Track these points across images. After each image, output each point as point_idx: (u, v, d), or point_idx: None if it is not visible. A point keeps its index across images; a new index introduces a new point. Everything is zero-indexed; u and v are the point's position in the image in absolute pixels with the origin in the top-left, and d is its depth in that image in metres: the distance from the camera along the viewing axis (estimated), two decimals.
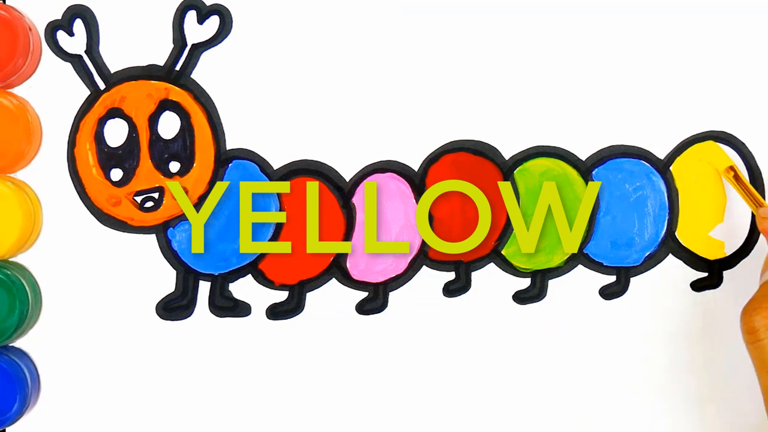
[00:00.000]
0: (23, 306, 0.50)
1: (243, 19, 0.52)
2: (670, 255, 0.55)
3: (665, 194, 0.55)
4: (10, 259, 0.52)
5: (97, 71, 0.52)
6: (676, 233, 0.55)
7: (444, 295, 0.54)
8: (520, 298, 0.54)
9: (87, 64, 0.52)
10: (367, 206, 0.52)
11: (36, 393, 0.52)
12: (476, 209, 0.53)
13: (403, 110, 0.53)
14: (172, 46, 0.52)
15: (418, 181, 0.54)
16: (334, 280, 0.53)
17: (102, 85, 0.52)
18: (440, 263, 0.54)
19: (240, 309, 0.53)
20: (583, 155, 0.54)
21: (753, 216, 0.55)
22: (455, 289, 0.54)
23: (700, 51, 0.54)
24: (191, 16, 0.52)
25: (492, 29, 0.54)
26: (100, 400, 0.53)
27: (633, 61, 0.54)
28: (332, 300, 0.53)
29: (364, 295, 0.54)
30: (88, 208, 0.52)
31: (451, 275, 0.54)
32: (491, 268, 0.54)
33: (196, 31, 0.52)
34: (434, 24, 0.53)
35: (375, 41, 0.53)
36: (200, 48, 0.52)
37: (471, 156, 0.54)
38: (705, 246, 0.55)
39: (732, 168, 0.51)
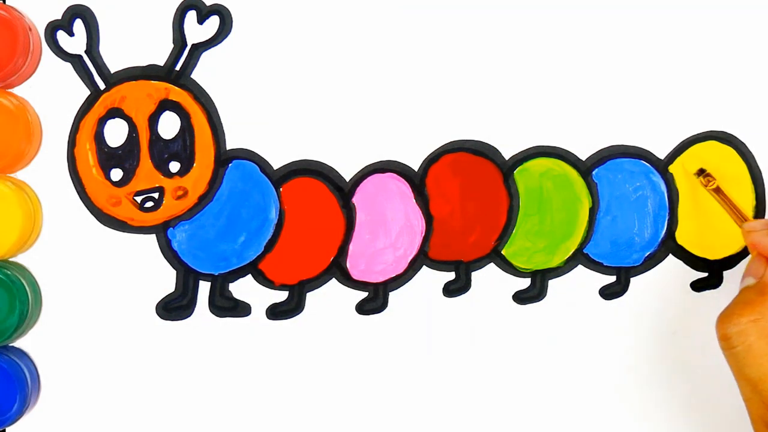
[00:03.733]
0: (23, 306, 0.50)
1: (243, 19, 0.52)
2: (670, 255, 0.55)
3: (665, 194, 0.55)
4: (10, 259, 0.52)
5: (97, 71, 0.52)
6: (676, 233, 0.55)
7: (444, 295, 0.54)
8: (520, 298, 0.54)
9: (87, 64, 0.52)
10: None
11: (36, 393, 0.52)
12: (477, 208, 0.53)
13: (403, 110, 0.53)
14: (172, 46, 0.52)
15: (418, 181, 0.54)
16: (334, 280, 0.53)
17: (102, 85, 0.52)
18: (440, 263, 0.54)
19: (240, 309, 0.53)
20: (583, 155, 0.54)
21: (755, 216, 0.55)
22: (455, 289, 0.54)
23: (700, 51, 0.54)
24: (191, 16, 0.52)
25: (492, 29, 0.54)
26: (100, 400, 0.53)
27: (633, 61, 0.54)
28: (332, 300, 0.53)
29: (364, 295, 0.54)
30: (88, 208, 0.52)
31: (451, 275, 0.54)
32: (491, 268, 0.54)
33: (196, 31, 0.52)
34: (434, 23, 0.53)
35: (375, 41, 0.53)
36: (200, 48, 0.52)
37: (471, 156, 0.54)
38: (705, 246, 0.55)
39: (708, 175, 0.51)
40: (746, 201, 0.55)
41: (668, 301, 0.55)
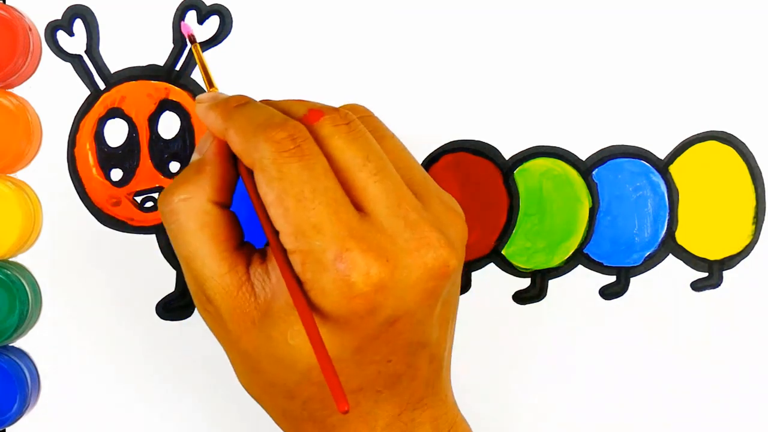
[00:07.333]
0: (23, 306, 0.50)
1: (243, 19, 0.52)
2: (670, 255, 0.55)
3: (665, 194, 0.55)
4: (10, 259, 0.52)
5: (97, 71, 0.52)
6: (676, 233, 0.55)
7: None
8: (520, 298, 0.54)
9: (87, 64, 0.52)
10: None
11: (36, 393, 0.52)
12: (477, 208, 0.53)
13: (403, 110, 0.53)
14: (172, 46, 0.52)
15: None
16: None
17: (102, 85, 0.52)
18: None
19: None
20: (583, 155, 0.54)
21: (755, 216, 0.55)
22: None
23: (700, 51, 0.54)
24: (191, 16, 0.52)
25: (492, 29, 0.54)
26: (100, 400, 0.53)
27: (633, 61, 0.54)
28: None
29: None
30: (88, 208, 0.52)
31: None
32: (491, 268, 0.54)
33: (196, 31, 0.52)
34: (434, 24, 0.53)
35: (375, 41, 0.53)
36: (200, 48, 0.52)
37: (471, 156, 0.54)
38: (705, 246, 0.55)
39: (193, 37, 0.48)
40: (746, 201, 0.55)
41: (668, 301, 0.55)
